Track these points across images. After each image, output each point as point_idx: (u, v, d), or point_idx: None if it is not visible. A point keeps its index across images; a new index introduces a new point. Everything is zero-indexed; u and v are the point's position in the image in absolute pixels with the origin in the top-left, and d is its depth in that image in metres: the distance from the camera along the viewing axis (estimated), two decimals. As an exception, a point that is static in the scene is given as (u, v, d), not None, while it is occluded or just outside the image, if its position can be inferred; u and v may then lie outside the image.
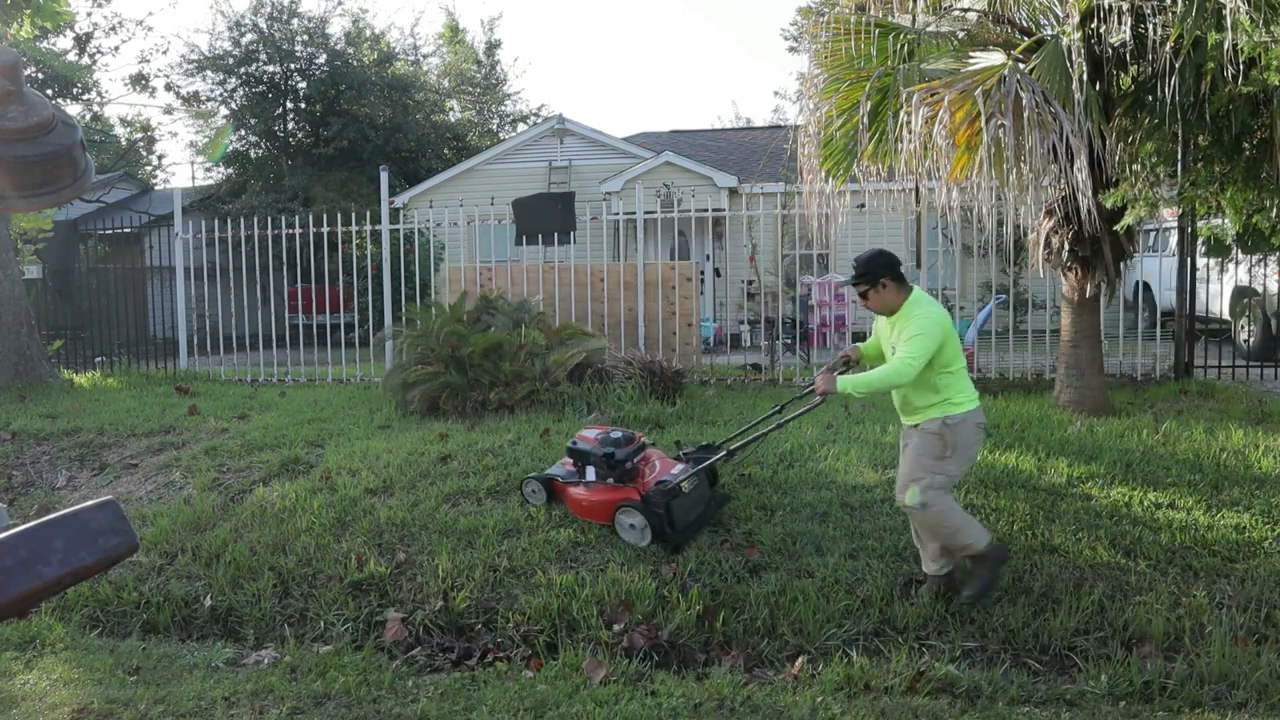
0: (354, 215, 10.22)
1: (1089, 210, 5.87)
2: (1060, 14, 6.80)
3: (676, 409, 7.18)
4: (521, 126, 28.25)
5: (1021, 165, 5.87)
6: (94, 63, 20.00)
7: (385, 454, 6.09)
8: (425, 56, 27.90)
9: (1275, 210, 5.90)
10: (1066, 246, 6.85)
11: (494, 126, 29.23)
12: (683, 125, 31.19)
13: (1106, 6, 5.89)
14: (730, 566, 4.43)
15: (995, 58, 6.21)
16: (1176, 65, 5.43)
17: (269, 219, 10.60)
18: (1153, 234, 12.47)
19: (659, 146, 17.31)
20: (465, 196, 12.42)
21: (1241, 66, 5.12)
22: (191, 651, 4.08)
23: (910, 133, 5.89)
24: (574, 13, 63.93)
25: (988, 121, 5.66)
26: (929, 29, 6.81)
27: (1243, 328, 10.53)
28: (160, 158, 35.05)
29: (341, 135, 20.95)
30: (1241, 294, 10.50)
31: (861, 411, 7.25)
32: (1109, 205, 6.26)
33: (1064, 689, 3.53)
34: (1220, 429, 6.37)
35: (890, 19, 7.05)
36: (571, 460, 4.99)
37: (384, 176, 10.55)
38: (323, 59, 22.34)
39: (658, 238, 12.91)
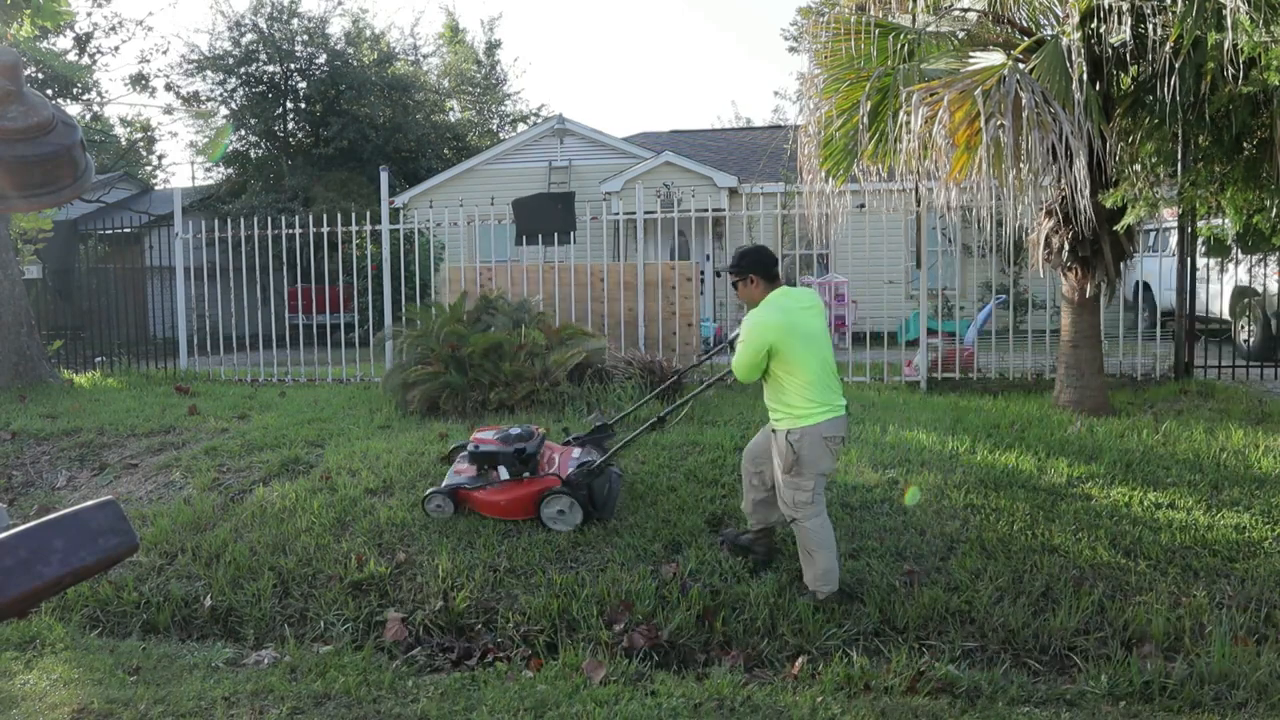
0: (354, 215, 10.22)
1: (1088, 210, 5.87)
2: (1060, 14, 6.80)
3: (676, 409, 7.17)
4: (521, 126, 28.26)
5: (1021, 165, 5.87)
6: (94, 63, 20.00)
7: (385, 454, 6.09)
8: (425, 56, 27.92)
9: (1275, 210, 5.90)
10: (1066, 246, 6.86)
11: (494, 126, 29.23)
12: (683, 125, 31.21)
13: (1106, 6, 5.89)
14: (730, 566, 4.43)
15: (995, 58, 6.21)
16: (1176, 65, 5.43)
17: (269, 219, 10.60)
18: (1153, 234, 12.47)
19: (659, 146, 17.30)
20: (465, 196, 12.42)
21: (1241, 66, 5.12)
22: (191, 651, 4.08)
23: (910, 133, 5.89)
24: (574, 13, 63.99)
25: (987, 121, 5.66)
26: (929, 29, 6.81)
27: (1243, 328, 10.53)
28: (160, 158, 35.11)
29: (341, 135, 20.95)
30: (1241, 294, 10.50)
31: (862, 412, 7.25)
32: (1109, 205, 6.26)
33: (1064, 689, 3.53)
34: (1220, 429, 6.37)
35: (890, 19, 7.06)
36: (474, 464, 5.00)
37: (384, 176, 10.55)
38: (323, 59, 22.33)
39: (658, 238, 12.91)
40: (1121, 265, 6.98)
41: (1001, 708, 3.38)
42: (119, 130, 25.82)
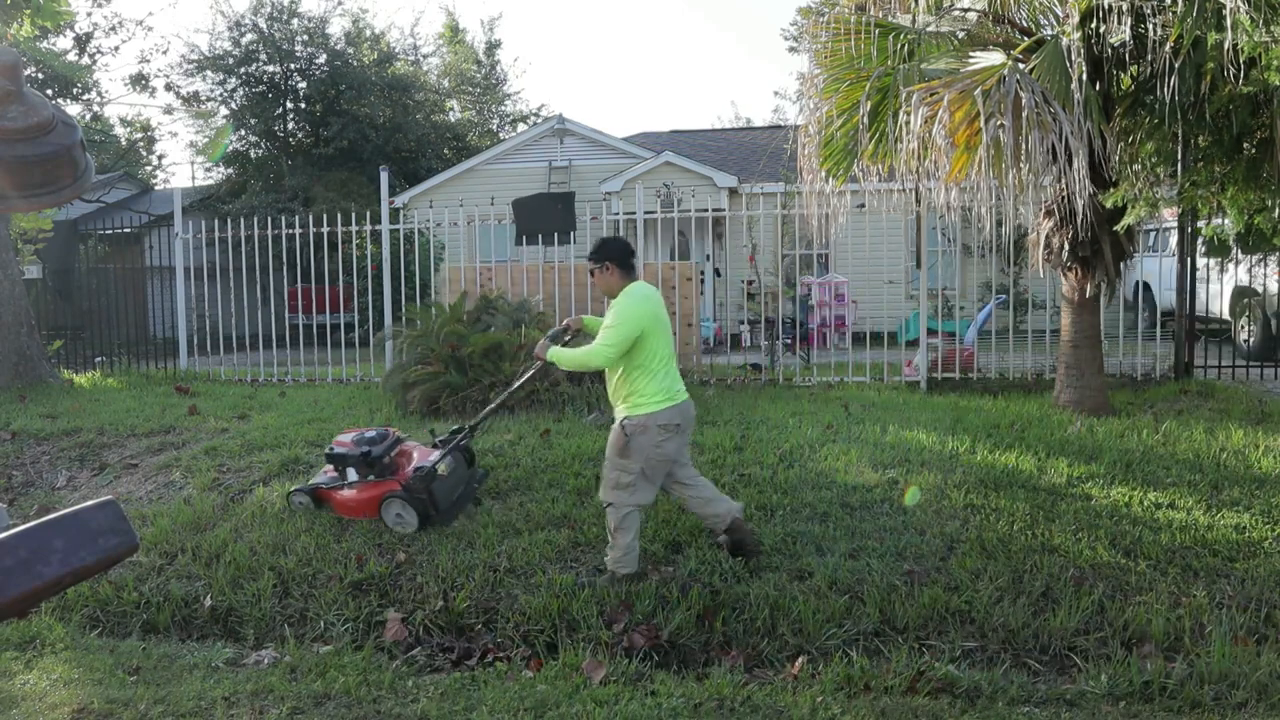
0: (354, 215, 10.22)
1: (1088, 210, 5.87)
2: (1060, 14, 6.80)
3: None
4: (521, 126, 28.24)
5: (1021, 165, 5.87)
6: (94, 63, 20.00)
7: (385, 454, 6.09)
8: (425, 56, 27.91)
9: (1276, 210, 5.90)
10: (1066, 247, 6.85)
11: (494, 126, 29.22)
12: (683, 125, 31.18)
13: (1106, 6, 5.89)
14: (730, 566, 4.43)
15: (995, 58, 6.21)
16: (1176, 65, 5.43)
17: (269, 219, 10.60)
18: (1153, 234, 12.46)
19: (659, 146, 17.30)
20: (465, 196, 12.42)
21: (1241, 66, 5.12)
22: (191, 651, 4.08)
23: (910, 133, 5.89)
24: (574, 13, 63.96)
25: (987, 121, 5.66)
26: (929, 29, 6.81)
27: (1243, 328, 10.53)
28: (160, 158, 35.12)
29: (341, 135, 20.95)
30: (1241, 294, 10.50)
31: (862, 412, 7.26)
32: (1109, 205, 6.26)
33: (1064, 689, 3.53)
34: (1220, 429, 6.37)
35: (890, 19, 7.06)
36: (331, 465, 5.17)
37: (384, 176, 10.55)
38: (323, 59, 22.33)
39: (658, 238, 12.89)
40: (1121, 265, 6.98)
41: (1001, 708, 3.38)
42: (119, 130, 25.85)
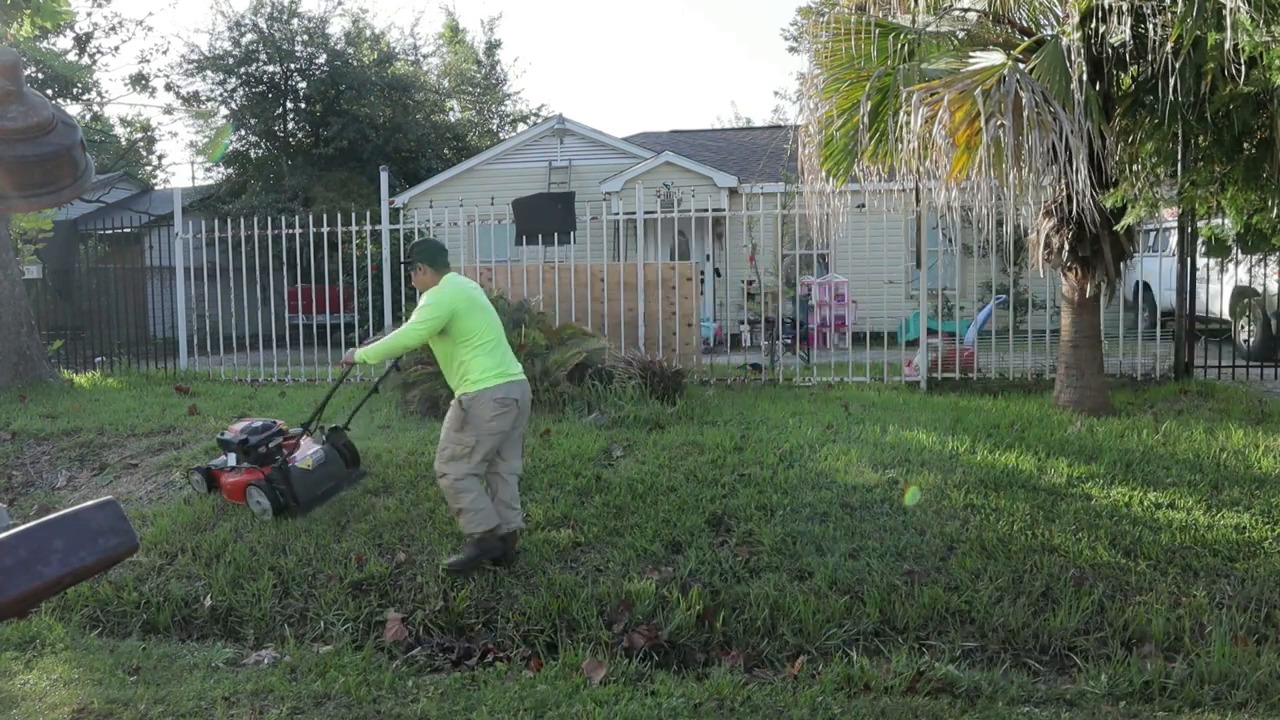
0: (354, 215, 10.22)
1: (1088, 210, 5.87)
2: (1060, 14, 6.80)
3: (676, 409, 7.18)
4: (521, 126, 28.23)
5: (1021, 165, 5.87)
6: (94, 63, 19.97)
7: (385, 454, 6.09)
8: (425, 56, 27.87)
9: (1276, 210, 5.90)
10: (1066, 247, 6.85)
11: (494, 126, 29.20)
12: (683, 125, 31.16)
13: (1106, 6, 5.89)
14: (730, 566, 4.43)
15: (995, 58, 6.21)
16: (1176, 65, 5.42)
17: (269, 219, 10.59)
18: (1153, 234, 12.46)
19: (659, 146, 17.29)
20: (465, 196, 12.42)
21: (1242, 66, 5.12)
22: (191, 651, 4.08)
23: (910, 133, 5.89)
24: (574, 13, 63.93)
25: (987, 121, 5.66)
26: (929, 29, 6.81)
27: (1243, 328, 10.53)
28: (160, 158, 35.09)
29: (341, 135, 20.94)
30: (1241, 294, 10.50)
31: (862, 412, 7.26)
32: (1109, 205, 6.25)
33: (1064, 689, 3.53)
34: (1220, 429, 6.37)
35: (890, 19, 7.06)
36: (223, 450, 5.51)
37: (384, 176, 10.54)
38: (323, 59, 22.31)
39: (658, 238, 12.90)
40: (1121, 265, 6.98)
41: (1001, 708, 3.38)
42: (119, 130, 25.81)
